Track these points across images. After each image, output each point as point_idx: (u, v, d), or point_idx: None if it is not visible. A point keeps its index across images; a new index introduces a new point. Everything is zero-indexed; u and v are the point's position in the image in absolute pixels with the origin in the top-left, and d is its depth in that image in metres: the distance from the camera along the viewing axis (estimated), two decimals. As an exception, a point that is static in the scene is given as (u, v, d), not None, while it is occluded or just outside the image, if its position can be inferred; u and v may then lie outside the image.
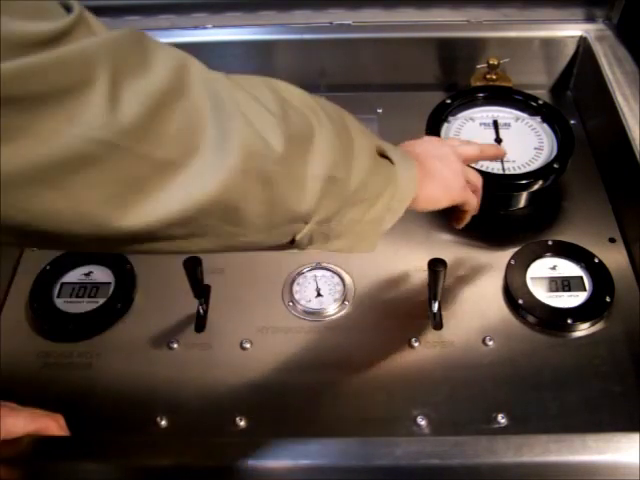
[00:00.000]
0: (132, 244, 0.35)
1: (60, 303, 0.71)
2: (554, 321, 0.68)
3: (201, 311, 0.70)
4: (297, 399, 0.63)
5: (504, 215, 0.80)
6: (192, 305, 0.70)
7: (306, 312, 0.70)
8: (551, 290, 0.70)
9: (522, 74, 0.93)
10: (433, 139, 0.64)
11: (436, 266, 0.62)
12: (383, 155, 0.51)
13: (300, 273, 0.73)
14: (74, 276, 0.74)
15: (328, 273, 0.73)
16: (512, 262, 0.72)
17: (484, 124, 0.85)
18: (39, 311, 0.70)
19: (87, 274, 0.74)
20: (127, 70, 0.31)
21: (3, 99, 0.27)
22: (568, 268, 0.72)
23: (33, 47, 0.28)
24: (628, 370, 0.64)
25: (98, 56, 0.30)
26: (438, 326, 0.69)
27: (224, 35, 0.94)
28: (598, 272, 0.71)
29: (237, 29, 0.94)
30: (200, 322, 0.70)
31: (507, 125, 0.84)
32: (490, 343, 0.67)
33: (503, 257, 0.73)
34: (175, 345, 0.68)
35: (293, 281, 0.73)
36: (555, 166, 0.76)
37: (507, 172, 0.78)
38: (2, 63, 0.26)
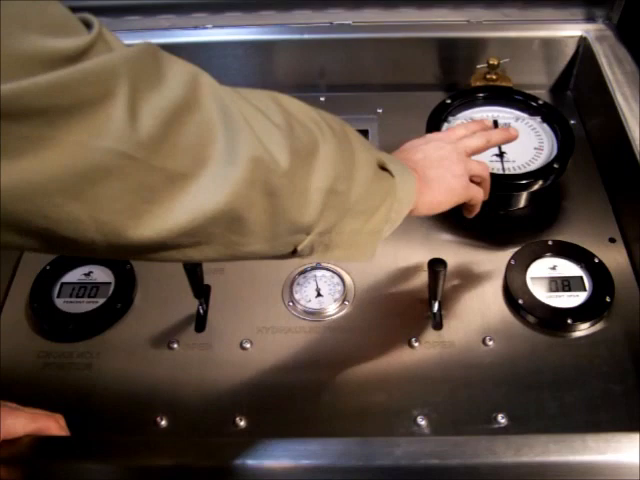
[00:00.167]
0: (143, 253, 0.36)
1: (60, 303, 0.71)
2: (554, 321, 0.68)
3: (201, 311, 0.70)
4: (297, 399, 0.63)
5: (504, 215, 0.80)
6: (192, 305, 0.70)
7: (306, 312, 0.70)
8: (551, 290, 0.70)
9: (522, 74, 0.93)
10: (435, 137, 0.64)
11: (436, 266, 0.62)
12: (383, 167, 0.52)
13: (300, 273, 0.73)
14: (74, 276, 0.74)
15: (328, 273, 0.73)
16: (512, 262, 0.72)
17: (484, 124, 0.85)
18: (39, 311, 0.70)
19: (87, 274, 0.74)
20: (144, 84, 0.32)
21: (35, 111, 0.28)
22: (568, 268, 0.72)
23: (60, 62, 0.29)
24: (628, 370, 0.64)
25: (119, 70, 0.31)
26: (438, 326, 0.69)
27: (224, 35, 0.94)
28: (598, 272, 0.71)
29: (237, 29, 0.94)
30: (200, 322, 0.70)
31: (507, 125, 0.84)
32: (490, 343, 0.67)
33: (503, 257, 0.73)
34: (175, 345, 0.68)
35: (293, 281, 0.73)
36: (555, 166, 0.76)
37: (507, 172, 0.78)
38: (35, 78, 0.28)
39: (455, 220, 0.74)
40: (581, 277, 0.71)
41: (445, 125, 0.83)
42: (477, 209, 0.65)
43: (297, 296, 0.71)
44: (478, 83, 0.91)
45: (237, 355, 0.67)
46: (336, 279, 0.73)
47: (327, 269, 0.73)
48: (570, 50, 0.93)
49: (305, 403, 0.63)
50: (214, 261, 0.41)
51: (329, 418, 0.62)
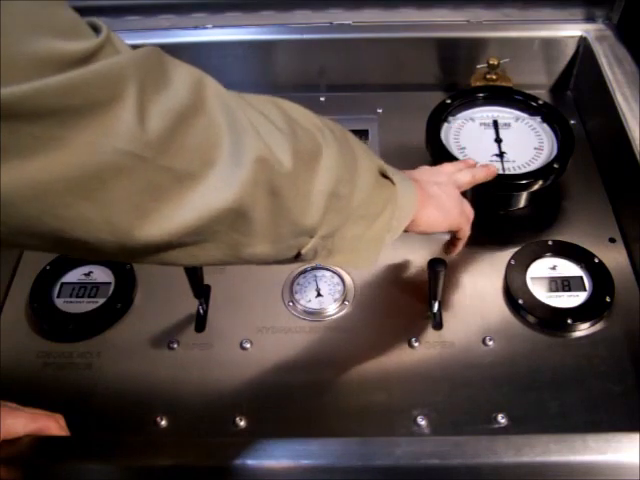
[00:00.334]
0: (150, 253, 0.36)
1: (60, 303, 0.71)
2: (554, 321, 0.68)
3: (201, 311, 0.70)
4: (297, 399, 0.63)
5: (504, 215, 0.80)
6: (192, 305, 0.70)
7: (306, 312, 0.70)
8: (551, 290, 0.70)
9: (522, 74, 0.93)
10: (428, 168, 0.66)
11: (436, 266, 0.62)
12: (385, 175, 0.52)
13: (300, 273, 0.73)
14: (74, 276, 0.74)
15: (328, 273, 0.73)
16: (512, 262, 0.72)
17: (484, 124, 0.85)
18: (39, 311, 0.70)
19: (87, 274, 0.74)
20: (152, 86, 0.33)
21: (47, 112, 0.29)
22: (568, 268, 0.72)
23: (71, 64, 0.30)
24: (628, 370, 0.64)
25: (128, 72, 0.32)
26: (438, 326, 0.69)
27: (224, 35, 0.94)
28: (598, 272, 0.71)
29: (237, 29, 0.94)
30: (200, 322, 0.70)
31: (507, 125, 0.84)
32: (490, 343, 0.67)
33: (503, 257, 0.73)
34: (175, 345, 0.68)
35: (293, 281, 0.73)
36: (555, 166, 0.76)
37: (507, 172, 0.78)
38: (46, 79, 0.28)
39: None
40: (581, 277, 0.71)
41: (445, 125, 0.84)
42: (460, 247, 0.68)
43: (297, 296, 0.71)
44: (478, 83, 0.91)
45: (237, 355, 0.67)
46: (336, 279, 0.73)
47: (327, 269, 0.73)
48: (570, 50, 0.93)
49: (305, 403, 0.63)
50: (219, 264, 0.42)
51: (329, 418, 0.62)
